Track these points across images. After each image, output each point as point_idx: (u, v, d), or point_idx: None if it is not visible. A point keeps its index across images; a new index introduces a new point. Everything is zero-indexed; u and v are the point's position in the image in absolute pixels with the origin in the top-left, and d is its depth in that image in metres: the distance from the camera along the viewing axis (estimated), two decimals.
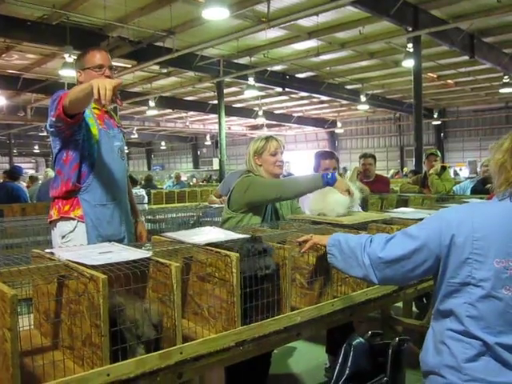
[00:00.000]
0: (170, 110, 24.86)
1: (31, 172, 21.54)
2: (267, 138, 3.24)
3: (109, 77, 2.91)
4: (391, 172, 23.05)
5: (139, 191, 11.22)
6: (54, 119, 2.67)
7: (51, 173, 11.34)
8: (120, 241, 2.79)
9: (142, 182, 13.69)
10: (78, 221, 2.82)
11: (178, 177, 15.11)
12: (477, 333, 1.65)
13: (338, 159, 4.33)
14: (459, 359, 1.66)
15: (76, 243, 2.67)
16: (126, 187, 3.10)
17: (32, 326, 1.90)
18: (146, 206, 10.12)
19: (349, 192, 2.91)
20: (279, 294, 2.06)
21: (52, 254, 1.82)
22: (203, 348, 1.76)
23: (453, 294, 1.71)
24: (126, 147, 3.19)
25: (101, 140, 2.87)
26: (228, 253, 1.84)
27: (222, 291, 1.86)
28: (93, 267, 1.61)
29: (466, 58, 13.86)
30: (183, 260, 1.95)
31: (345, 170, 9.06)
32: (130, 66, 14.77)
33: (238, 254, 1.83)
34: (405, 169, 24.78)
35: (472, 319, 1.66)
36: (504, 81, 16.24)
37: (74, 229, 2.82)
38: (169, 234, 2.27)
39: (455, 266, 1.68)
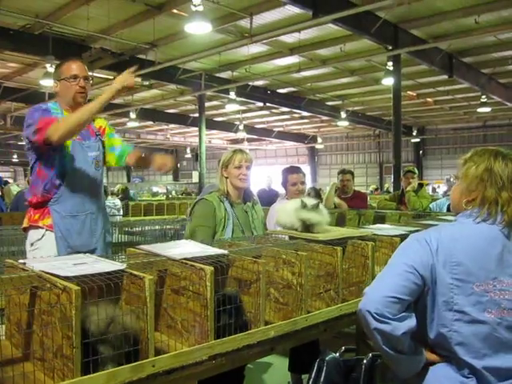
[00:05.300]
0: (151, 122, 24.75)
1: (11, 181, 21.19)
2: (234, 151, 3.34)
3: (83, 87, 2.92)
4: (371, 188, 23.20)
5: (116, 201, 11.18)
6: (31, 140, 2.80)
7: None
8: (91, 252, 2.75)
9: (119, 194, 13.46)
10: (47, 229, 2.84)
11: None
12: (463, 358, 1.65)
13: (305, 174, 4.35)
14: None
15: (44, 252, 2.70)
16: (100, 197, 3.10)
17: (3, 337, 1.88)
18: (120, 217, 10.03)
19: None
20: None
21: (25, 264, 1.81)
22: (176, 361, 1.75)
23: (436, 320, 1.71)
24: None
25: (73, 151, 2.88)
26: (202, 266, 1.84)
27: (195, 305, 1.86)
28: (66, 278, 1.60)
29: (445, 77, 14.11)
30: (157, 273, 1.95)
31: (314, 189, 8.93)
32: (112, 77, 14.72)
33: (212, 268, 1.83)
34: (386, 185, 24.92)
35: (457, 345, 1.66)
36: (482, 100, 16.43)
37: (42, 237, 2.85)
38: (144, 247, 2.26)
39: (436, 293, 1.69)
